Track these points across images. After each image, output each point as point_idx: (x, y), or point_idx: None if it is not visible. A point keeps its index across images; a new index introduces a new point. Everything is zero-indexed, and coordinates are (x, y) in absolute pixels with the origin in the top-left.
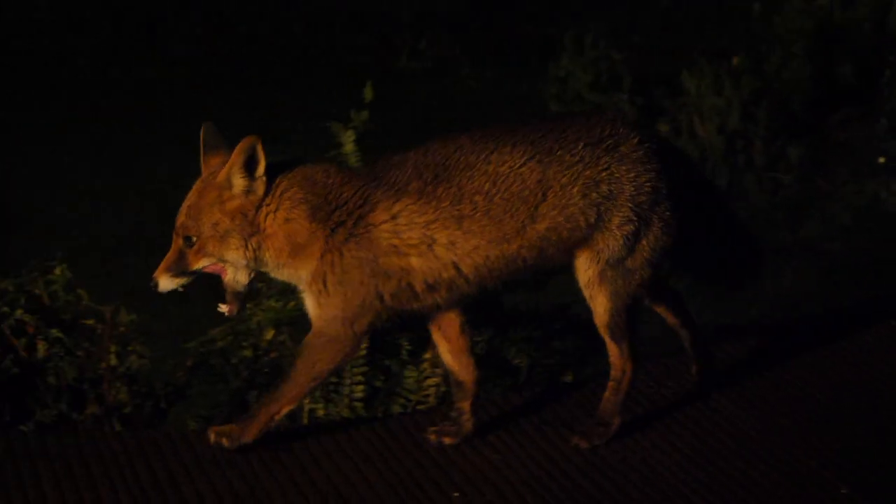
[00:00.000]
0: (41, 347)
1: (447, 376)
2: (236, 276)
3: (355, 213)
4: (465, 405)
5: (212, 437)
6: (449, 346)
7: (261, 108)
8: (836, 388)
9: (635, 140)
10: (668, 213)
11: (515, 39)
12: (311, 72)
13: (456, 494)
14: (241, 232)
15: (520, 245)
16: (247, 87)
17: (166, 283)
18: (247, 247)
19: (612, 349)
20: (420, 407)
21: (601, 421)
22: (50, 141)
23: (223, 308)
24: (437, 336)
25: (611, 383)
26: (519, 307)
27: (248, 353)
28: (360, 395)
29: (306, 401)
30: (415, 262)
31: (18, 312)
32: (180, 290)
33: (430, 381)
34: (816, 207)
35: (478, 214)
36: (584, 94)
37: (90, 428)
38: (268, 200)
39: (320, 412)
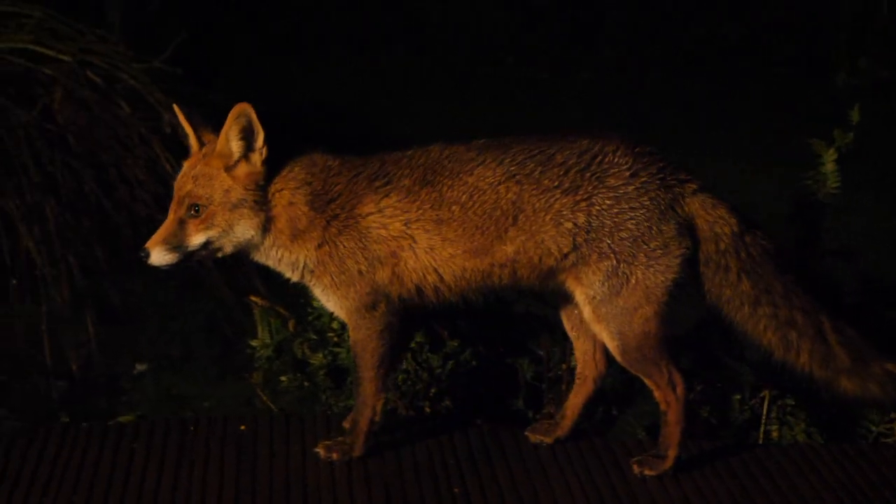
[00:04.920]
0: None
1: None
2: (218, 247)
3: (347, 205)
4: None
5: (322, 452)
6: None
7: (686, 116)
8: None
9: (627, 173)
10: (658, 251)
11: None
12: (739, 83)
13: None
14: (252, 205)
15: (491, 263)
16: (677, 96)
17: (159, 255)
18: (256, 221)
19: (648, 383)
20: (885, 440)
21: (657, 453)
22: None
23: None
24: None
25: (662, 417)
26: None
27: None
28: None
29: (763, 418)
30: (401, 253)
31: None
32: (166, 269)
33: None
34: None
35: (454, 224)
36: None
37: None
38: (276, 178)
39: (774, 434)
